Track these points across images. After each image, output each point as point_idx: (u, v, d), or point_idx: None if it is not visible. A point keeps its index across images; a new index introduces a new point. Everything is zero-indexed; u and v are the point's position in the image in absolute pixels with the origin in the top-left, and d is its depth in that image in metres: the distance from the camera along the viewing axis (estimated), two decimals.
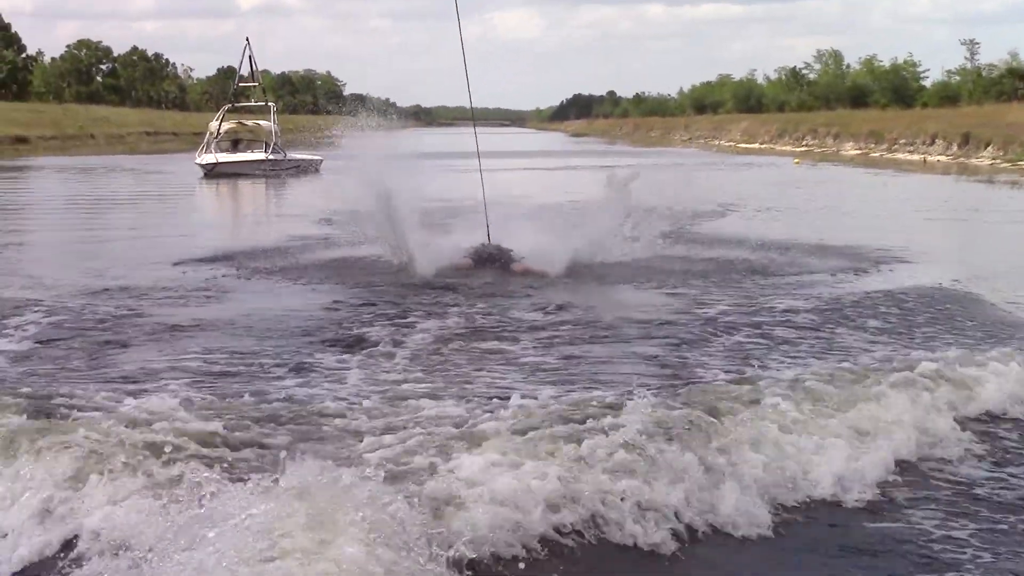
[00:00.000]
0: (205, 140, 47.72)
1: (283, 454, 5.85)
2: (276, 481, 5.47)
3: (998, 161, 49.94)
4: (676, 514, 5.96)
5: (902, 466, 7.05)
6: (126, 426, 6.46)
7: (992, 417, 8.20)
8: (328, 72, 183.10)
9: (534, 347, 9.76)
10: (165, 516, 5.48)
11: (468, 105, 16.20)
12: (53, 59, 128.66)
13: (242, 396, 7.69)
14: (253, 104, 53.94)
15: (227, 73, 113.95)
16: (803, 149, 73.46)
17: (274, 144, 47.24)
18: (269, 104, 51.54)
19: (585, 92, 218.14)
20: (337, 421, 7.03)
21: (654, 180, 19.42)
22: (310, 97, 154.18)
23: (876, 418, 7.53)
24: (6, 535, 5.65)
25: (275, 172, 44.67)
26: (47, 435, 6.29)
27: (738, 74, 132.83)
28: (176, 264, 15.62)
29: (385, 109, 19.19)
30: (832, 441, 7.01)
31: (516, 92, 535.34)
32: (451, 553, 5.23)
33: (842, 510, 6.43)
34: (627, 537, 5.80)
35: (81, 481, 5.87)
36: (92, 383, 8.09)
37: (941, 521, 6.29)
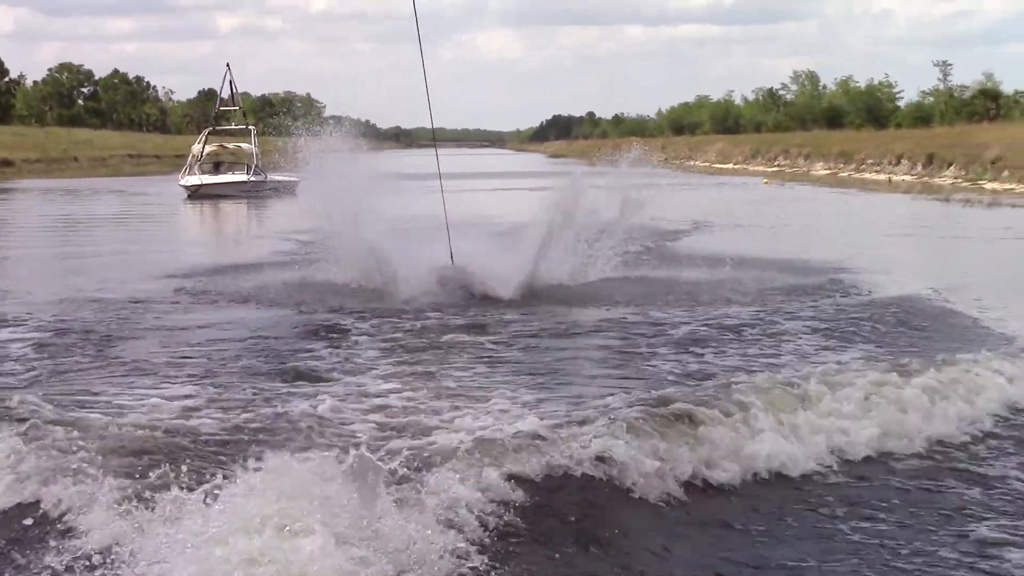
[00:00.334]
0: (188, 162, 48.78)
1: (254, 461, 6.01)
2: (248, 486, 5.75)
3: (959, 180, 51.39)
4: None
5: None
6: (94, 437, 6.89)
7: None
8: (308, 94, 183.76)
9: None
10: (143, 524, 5.78)
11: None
12: (35, 83, 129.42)
13: (217, 402, 8.23)
14: (234, 127, 55.03)
15: (208, 95, 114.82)
16: (775, 169, 74.82)
17: (255, 166, 48.32)
18: (250, 127, 52.57)
19: (565, 113, 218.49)
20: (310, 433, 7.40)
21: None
22: (288, 119, 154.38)
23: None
24: None
25: (256, 193, 45.80)
26: None
27: (717, 95, 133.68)
28: (169, 276, 16.70)
29: (364, 131, 19.49)
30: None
31: (496, 113, 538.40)
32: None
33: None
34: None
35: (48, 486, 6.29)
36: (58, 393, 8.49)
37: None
